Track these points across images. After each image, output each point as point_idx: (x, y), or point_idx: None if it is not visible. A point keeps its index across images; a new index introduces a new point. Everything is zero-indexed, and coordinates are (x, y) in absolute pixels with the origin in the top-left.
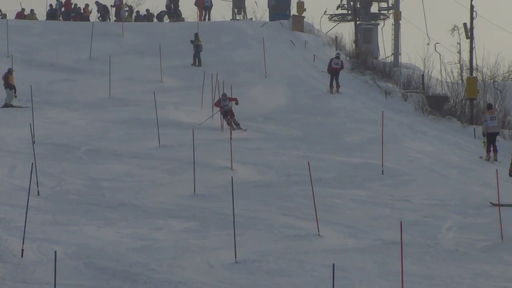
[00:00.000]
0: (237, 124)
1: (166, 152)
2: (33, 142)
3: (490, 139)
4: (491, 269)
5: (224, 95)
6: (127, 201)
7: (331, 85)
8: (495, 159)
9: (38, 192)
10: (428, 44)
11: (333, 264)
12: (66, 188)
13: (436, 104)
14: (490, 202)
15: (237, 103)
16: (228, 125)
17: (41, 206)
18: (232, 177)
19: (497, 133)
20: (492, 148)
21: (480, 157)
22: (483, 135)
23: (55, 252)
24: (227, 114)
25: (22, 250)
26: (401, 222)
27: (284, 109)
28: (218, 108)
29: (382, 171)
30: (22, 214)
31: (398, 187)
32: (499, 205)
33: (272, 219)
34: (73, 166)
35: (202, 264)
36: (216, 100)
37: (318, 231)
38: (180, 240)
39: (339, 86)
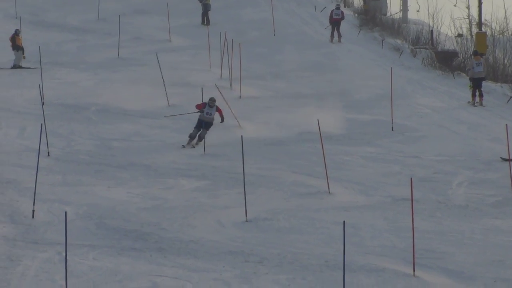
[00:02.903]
0: (201, 139)
1: (175, 111)
2: (43, 103)
3: (476, 84)
4: (501, 224)
5: (212, 100)
6: (137, 161)
7: (332, 35)
8: (481, 104)
9: (48, 153)
10: None
11: (344, 221)
12: (76, 149)
13: (445, 60)
14: (500, 157)
15: (222, 120)
16: (191, 138)
17: (51, 167)
18: (242, 135)
19: (483, 78)
20: (478, 93)
21: (468, 102)
22: (470, 80)
23: (66, 212)
24: (201, 125)
25: (33, 211)
26: (411, 178)
27: (293, 66)
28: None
29: (392, 127)
30: (33, 175)
31: (408, 143)
32: (509, 159)
33: (282, 177)
34: (83, 127)
35: (213, 223)
36: (199, 103)
37: (329, 188)
38: (190, 199)
39: (341, 37)
